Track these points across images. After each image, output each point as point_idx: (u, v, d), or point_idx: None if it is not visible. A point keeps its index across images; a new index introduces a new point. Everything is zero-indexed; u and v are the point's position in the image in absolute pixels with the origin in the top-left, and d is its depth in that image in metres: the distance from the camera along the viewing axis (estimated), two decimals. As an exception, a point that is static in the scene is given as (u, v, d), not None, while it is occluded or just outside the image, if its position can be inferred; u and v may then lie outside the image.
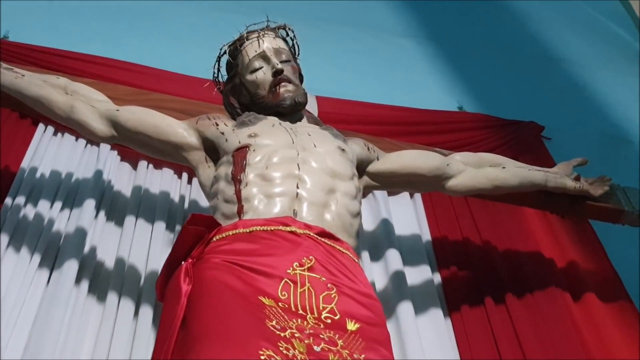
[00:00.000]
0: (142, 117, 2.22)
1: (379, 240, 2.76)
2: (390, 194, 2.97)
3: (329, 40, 3.79)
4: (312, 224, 1.89)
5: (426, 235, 2.86)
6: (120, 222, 2.59)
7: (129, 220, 2.57)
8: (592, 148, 3.39)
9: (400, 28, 4.11)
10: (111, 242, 2.51)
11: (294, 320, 1.63)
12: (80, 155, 2.78)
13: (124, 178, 2.76)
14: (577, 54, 4.22)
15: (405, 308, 2.47)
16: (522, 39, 4.28)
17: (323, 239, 1.88)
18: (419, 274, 2.67)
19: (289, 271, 1.75)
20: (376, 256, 2.71)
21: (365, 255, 2.66)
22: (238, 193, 1.95)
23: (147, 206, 2.65)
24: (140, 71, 3.04)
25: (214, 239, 1.84)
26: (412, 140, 2.90)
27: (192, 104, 2.57)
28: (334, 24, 3.95)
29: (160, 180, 2.77)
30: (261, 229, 1.84)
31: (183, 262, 1.78)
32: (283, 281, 1.72)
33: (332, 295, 1.74)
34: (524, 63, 4.06)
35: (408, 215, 2.92)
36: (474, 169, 2.46)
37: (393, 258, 2.65)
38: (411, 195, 3.01)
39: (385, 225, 2.79)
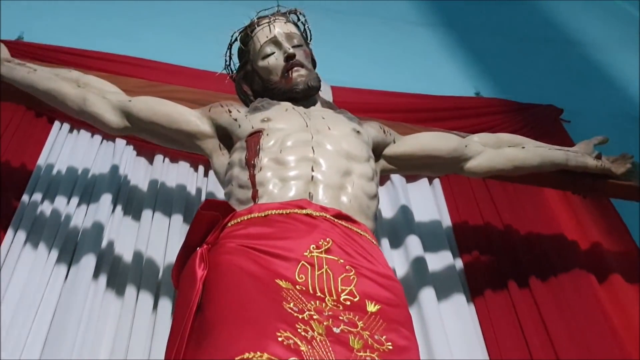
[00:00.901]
0: (154, 106, 2.19)
1: (398, 227, 2.72)
2: (408, 180, 2.93)
3: (344, 30, 3.76)
4: (328, 206, 1.85)
5: (446, 221, 2.82)
6: (137, 217, 2.57)
7: (146, 214, 2.55)
8: (612, 130, 3.26)
9: (415, 16, 4.07)
10: (128, 236, 2.49)
11: (312, 303, 1.58)
12: (96, 151, 2.77)
13: (140, 172, 2.75)
14: (594, 35, 4.15)
15: (427, 294, 2.43)
16: (537, 21, 4.22)
17: (340, 221, 1.82)
18: (440, 260, 2.63)
19: (305, 254, 1.70)
20: (396, 243, 2.67)
21: (385, 242, 2.62)
22: (252, 178, 1.91)
23: (163, 200, 2.63)
24: (154, 67, 3.03)
25: (229, 225, 1.80)
26: (429, 127, 2.85)
27: (204, 94, 2.54)
28: (348, 14, 3.91)
29: (177, 174, 2.75)
30: (276, 212, 1.80)
31: (198, 248, 1.74)
32: (300, 264, 1.68)
33: (351, 277, 1.69)
34: (541, 46, 4.00)
35: (427, 201, 2.88)
36: (493, 150, 2.40)
37: (413, 244, 2.62)
38: (430, 181, 2.97)
39: (405, 211, 2.76)
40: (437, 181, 2.96)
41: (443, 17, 4.11)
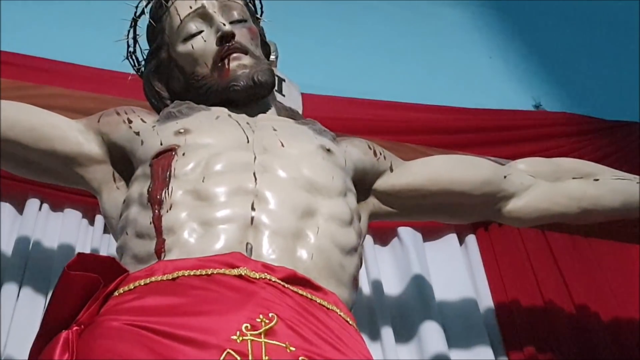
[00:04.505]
0: (13, 116, 2.17)
1: (409, 310, 2.75)
2: (426, 236, 2.97)
3: (333, 14, 3.83)
4: (275, 264, 1.80)
5: (485, 300, 2.85)
6: (-7, 294, 2.58)
7: (9, 289, 2.55)
8: None
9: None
10: (-20, 325, 2.49)
11: (239, 417, 1.53)
12: None
13: (3, 225, 2.75)
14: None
15: (454, 414, 2.47)
16: (618, 3, 4.25)
17: (293, 288, 1.78)
18: (475, 361, 2.67)
19: (234, 337, 1.62)
20: (406, 335, 2.71)
21: (387, 332, 2.65)
22: (157, 221, 1.87)
23: (38, 268, 2.64)
24: (22, 63, 3.04)
25: (116, 293, 1.75)
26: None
27: (98, 101, 2.60)
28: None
29: (61, 228, 2.77)
30: (191, 273, 1.74)
31: (63, 331, 1.67)
32: (225, 353, 1.60)
33: (306, 375, 1.65)
34: (624, 38, 4.06)
35: (456, 270, 2.92)
36: (549, 183, 2.39)
37: (432, 337, 2.66)
38: (460, 239, 3.00)
39: (420, 286, 2.78)
40: (471, 238, 2.99)
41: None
